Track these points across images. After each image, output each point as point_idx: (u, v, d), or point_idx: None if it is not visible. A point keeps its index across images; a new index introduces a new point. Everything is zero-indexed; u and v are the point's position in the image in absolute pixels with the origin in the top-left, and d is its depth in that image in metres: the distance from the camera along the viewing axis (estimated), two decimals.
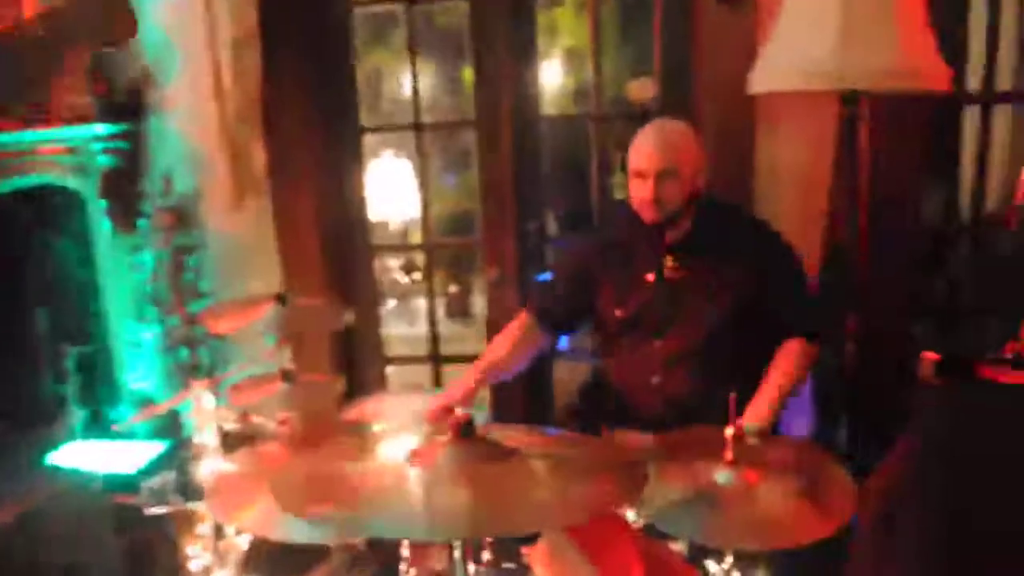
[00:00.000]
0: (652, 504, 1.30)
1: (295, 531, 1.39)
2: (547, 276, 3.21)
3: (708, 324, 1.94)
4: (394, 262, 5.86)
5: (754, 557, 1.40)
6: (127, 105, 2.64)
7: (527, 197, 2.87)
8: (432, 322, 3.11)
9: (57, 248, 2.84)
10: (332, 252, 2.89)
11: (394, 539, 1.53)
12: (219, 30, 2.65)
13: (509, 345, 2.07)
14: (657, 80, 2.71)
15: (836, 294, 2.26)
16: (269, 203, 2.78)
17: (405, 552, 1.54)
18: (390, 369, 3.54)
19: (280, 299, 1.90)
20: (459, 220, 5.18)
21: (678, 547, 1.44)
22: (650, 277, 1.98)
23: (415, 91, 2.88)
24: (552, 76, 5.23)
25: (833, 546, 1.25)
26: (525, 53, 2.78)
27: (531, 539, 1.25)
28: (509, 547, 1.50)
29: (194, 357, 2.83)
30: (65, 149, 2.66)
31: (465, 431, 1.12)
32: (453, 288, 5.54)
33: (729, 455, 1.36)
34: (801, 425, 2.22)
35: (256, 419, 1.83)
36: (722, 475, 1.36)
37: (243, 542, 1.76)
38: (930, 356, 1.72)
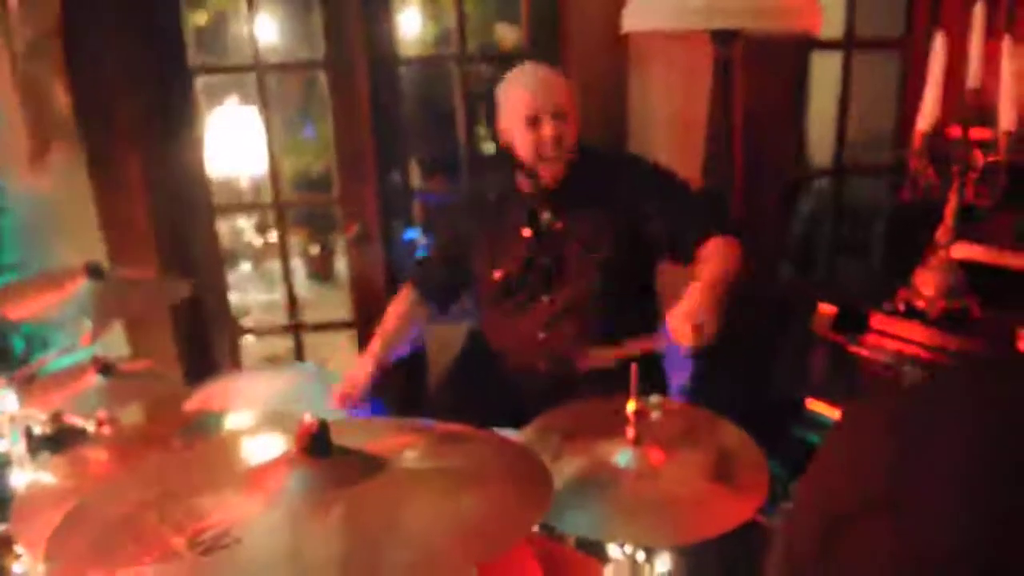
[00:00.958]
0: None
1: None
2: (414, 234, 3.02)
3: (592, 274, 1.86)
4: (246, 222, 5.45)
5: None
6: None
7: (387, 145, 2.62)
8: (289, 287, 2.83)
9: None
10: (165, 213, 2.53)
11: None
12: None
13: (398, 321, 1.98)
14: (525, 24, 2.59)
15: (723, 198, 2.18)
16: (83, 156, 2.36)
17: None
18: (250, 340, 3.25)
19: (92, 272, 1.56)
20: (322, 176, 4.79)
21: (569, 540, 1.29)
22: (526, 232, 1.89)
23: (251, 29, 2.52)
24: (414, 21, 4.92)
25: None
26: None
27: None
28: None
29: None
30: None
31: (316, 446, 0.82)
32: (314, 249, 5.21)
33: (631, 433, 1.21)
34: (682, 378, 2.15)
35: (72, 419, 1.52)
36: (623, 456, 1.21)
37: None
38: (827, 309, 1.64)
